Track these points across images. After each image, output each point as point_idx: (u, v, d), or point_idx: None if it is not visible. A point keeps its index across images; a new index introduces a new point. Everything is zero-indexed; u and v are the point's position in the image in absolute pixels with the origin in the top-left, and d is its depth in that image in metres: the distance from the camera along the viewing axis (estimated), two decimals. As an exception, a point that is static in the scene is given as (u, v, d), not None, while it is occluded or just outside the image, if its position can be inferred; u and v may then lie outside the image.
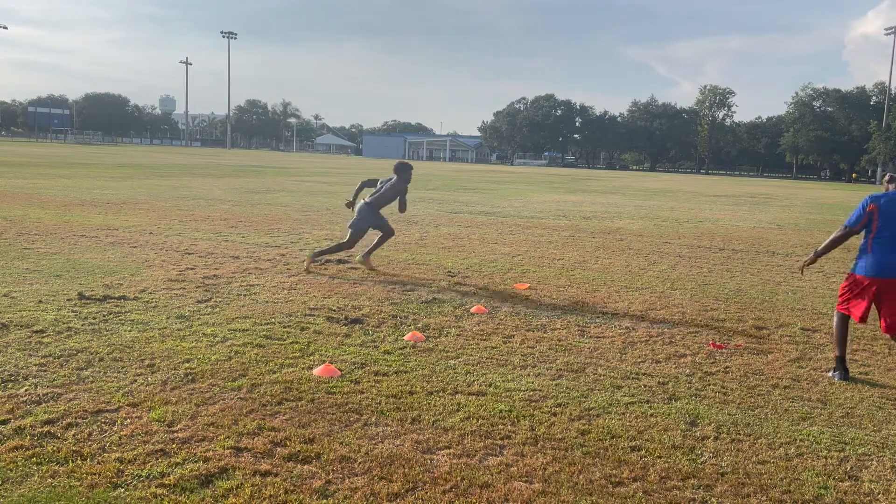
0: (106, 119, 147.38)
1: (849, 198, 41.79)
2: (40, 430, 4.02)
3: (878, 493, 3.78)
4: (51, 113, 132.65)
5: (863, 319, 5.73)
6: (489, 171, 67.89)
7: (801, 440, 4.43)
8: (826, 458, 4.19)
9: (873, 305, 5.72)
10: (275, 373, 5.19)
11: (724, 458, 4.11)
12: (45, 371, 4.98)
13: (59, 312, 6.55)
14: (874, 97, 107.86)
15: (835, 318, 5.97)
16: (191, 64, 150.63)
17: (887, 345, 6.89)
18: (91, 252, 9.98)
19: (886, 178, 5.99)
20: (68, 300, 7.05)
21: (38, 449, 3.79)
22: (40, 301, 6.96)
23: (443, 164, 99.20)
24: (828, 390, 5.44)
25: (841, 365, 5.81)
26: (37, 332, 5.90)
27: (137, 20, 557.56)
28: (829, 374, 5.87)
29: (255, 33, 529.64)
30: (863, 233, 5.80)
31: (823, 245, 6.00)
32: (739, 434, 4.48)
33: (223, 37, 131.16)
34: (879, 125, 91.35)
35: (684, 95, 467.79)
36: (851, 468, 4.07)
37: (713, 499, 3.62)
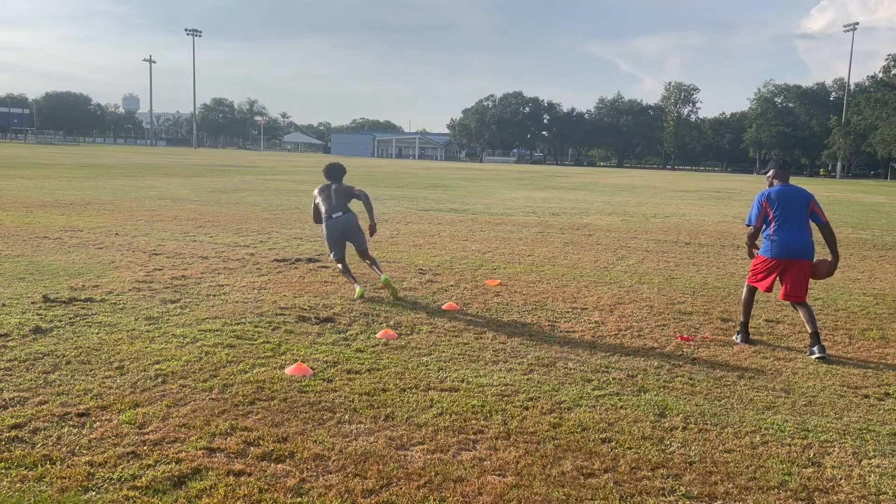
0: (67, 118, 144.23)
1: (813, 192, 42.46)
2: (8, 434, 3.96)
3: (841, 479, 3.90)
4: (10, 112, 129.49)
5: (768, 290, 6.62)
6: (458, 168, 67.97)
7: (765, 428, 4.54)
8: (790, 445, 4.30)
9: (777, 279, 6.60)
10: (246, 373, 5.17)
11: (692, 448, 4.20)
12: (10, 375, 4.89)
13: (23, 316, 6.44)
14: (833, 93, 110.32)
15: (744, 291, 6.80)
16: (154, 62, 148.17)
17: (847, 334, 7.08)
18: (55, 254, 9.81)
19: (770, 173, 6.79)
20: (32, 303, 6.93)
21: (5, 454, 3.73)
22: (3, 304, 6.82)
23: (412, 161, 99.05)
24: (791, 380, 5.58)
25: (744, 329, 6.71)
26: (1, 335, 5.79)
27: (90, 16, 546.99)
28: (734, 337, 6.73)
29: (219, 31, 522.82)
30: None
31: (747, 239, 6.88)
32: (707, 424, 4.58)
33: (188, 34, 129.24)
34: (839, 120, 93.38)
35: (647, 92, 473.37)
36: (814, 455, 4.19)
37: (682, 487, 3.70)
